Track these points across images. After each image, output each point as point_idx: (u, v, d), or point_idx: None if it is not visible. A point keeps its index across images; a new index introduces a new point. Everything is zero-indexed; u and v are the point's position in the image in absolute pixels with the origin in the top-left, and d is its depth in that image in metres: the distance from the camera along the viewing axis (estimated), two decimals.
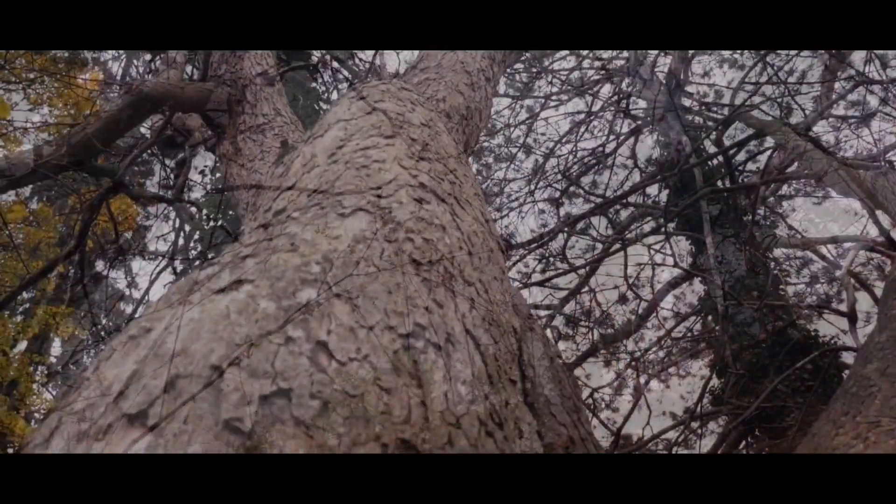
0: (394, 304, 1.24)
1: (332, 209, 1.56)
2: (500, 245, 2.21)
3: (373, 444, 0.91)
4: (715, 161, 10.59)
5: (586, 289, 11.20)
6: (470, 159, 4.10)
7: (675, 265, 5.59)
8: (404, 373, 1.09)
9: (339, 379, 0.99)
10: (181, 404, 0.87)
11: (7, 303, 4.05)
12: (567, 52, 12.35)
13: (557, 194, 12.39)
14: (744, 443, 8.93)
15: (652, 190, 12.86)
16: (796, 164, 8.58)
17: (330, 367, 1.01)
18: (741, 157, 9.07)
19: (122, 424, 0.86)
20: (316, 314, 1.11)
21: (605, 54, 12.72)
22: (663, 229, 8.42)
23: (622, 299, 12.06)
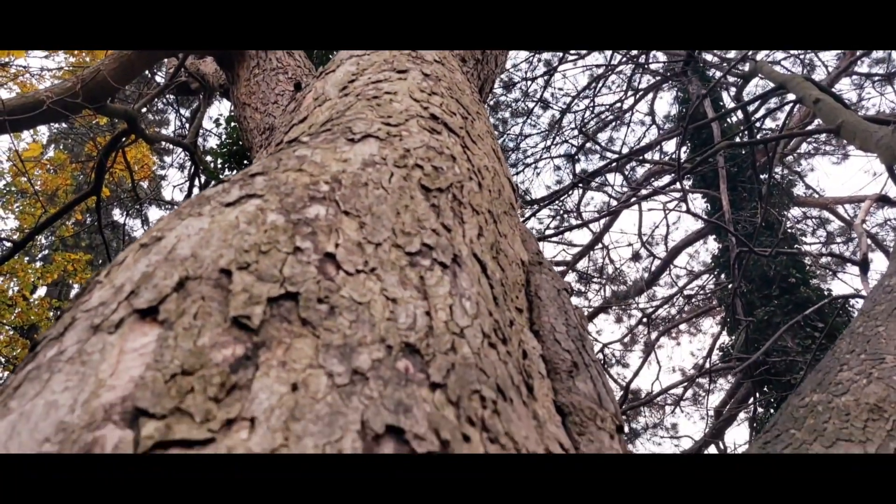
0: (402, 224, 1.25)
1: (341, 135, 1.56)
2: (511, 183, 2.21)
3: (378, 345, 0.93)
4: (734, 118, 10.43)
5: (600, 246, 11.18)
6: (486, 111, 4.07)
7: (688, 211, 5.55)
8: (410, 286, 1.10)
9: (346, 287, 1.01)
10: (191, 302, 0.90)
11: (24, 244, 4.11)
12: None
13: (573, 150, 12.28)
14: (752, 399, 8.99)
15: (669, 147, 12.72)
16: (817, 121, 8.43)
17: (337, 277, 1.03)
18: (761, 112, 8.92)
19: (134, 319, 0.88)
20: (324, 229, 1.12)
21: None
22: (679, 185, 8.35)
23: (635, 256, 12.04)
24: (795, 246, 9.51)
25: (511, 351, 1.25)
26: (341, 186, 1.28)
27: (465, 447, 0.85)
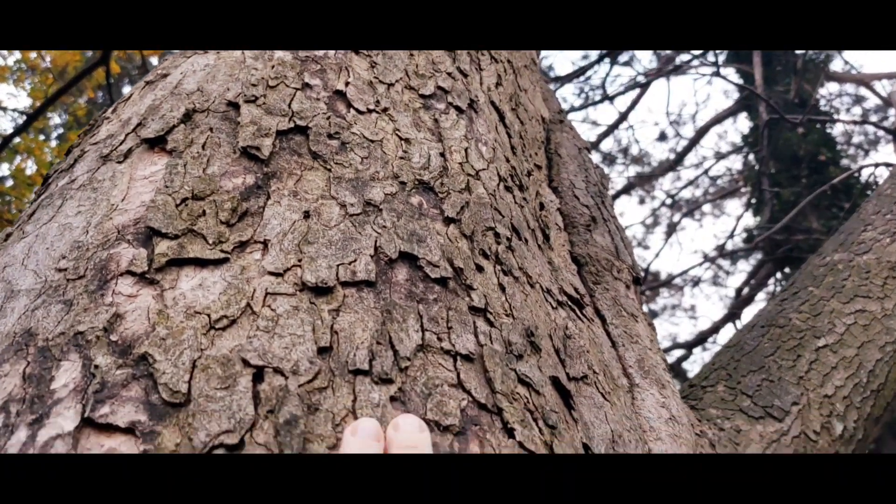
0: (415, 66, 1.21)
1: None
2: None
3: (391, 180, 0.91)
4: None
5: (625, 125, 10.90)
6: None
7: (717, 74, 5.29)
8: (424, 128, 1.07)
9: (357, 125, 0.98)
10: (199, 133, 0.88)
11: (38, 115, 4.10)
12: None
13: None
14: (773, 279, 9.02)
15: None
16: None
17: (348, 114, 1.00)
18: None
19: (142, 149, 0.87)
20: (333, 67, 1.08)
21: None
22: (711, 60, 8.00)
23: (662, 136, 11.76)
24: (829, 116, 9.17)
25: (528, 198, 1.23)
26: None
27: (479, 277, 0.85)
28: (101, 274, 0.70)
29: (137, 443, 0.56)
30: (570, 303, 1.07)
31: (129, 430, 0.57)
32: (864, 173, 7.36)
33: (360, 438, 0.56)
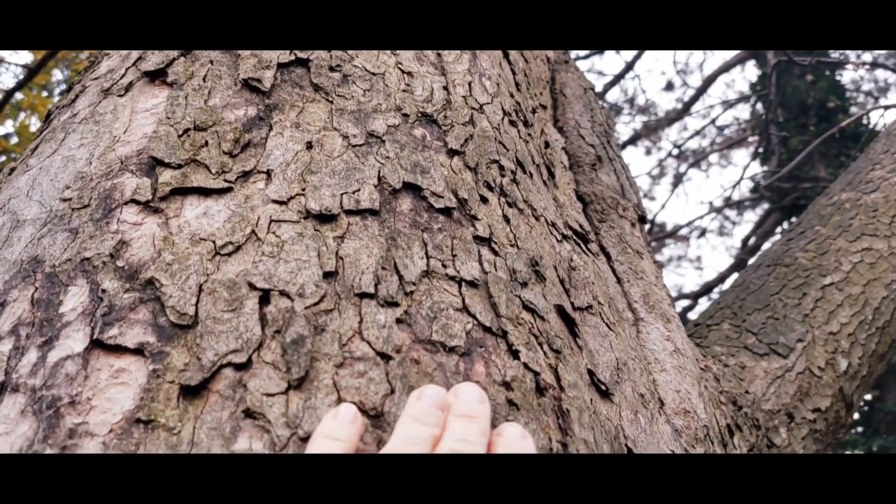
0: None
1: None
2: None
3: (393, 112, 0.90)
4: None
5: (632, 74, 10.73)
6: None
7: None
8: (427, 62, 1.06)
9: (359, 58, 0.97)
10: (199, 66, 0.87)
11: (39, 69, 4.06)
12: None
13: None
14: (780, 228, 8.98)
15: None
16: None
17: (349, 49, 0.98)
18: None
19: (143, 82, 0.86)
20: None
21: None
22: None
23: (668, 86, 11.60)
24: (838, 57, 9.00)
25: (532, 135, 1.22)
26: None
27: (483, 208, 0.85)
28: (105, 203, 0.70)
29: (147, 363, 0.57)
30: (575, 237, 1.07)
31: (139, 351, 0.58)
32: (874, 118, 7.25)
33: (425, 405, 0.53)
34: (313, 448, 0.49)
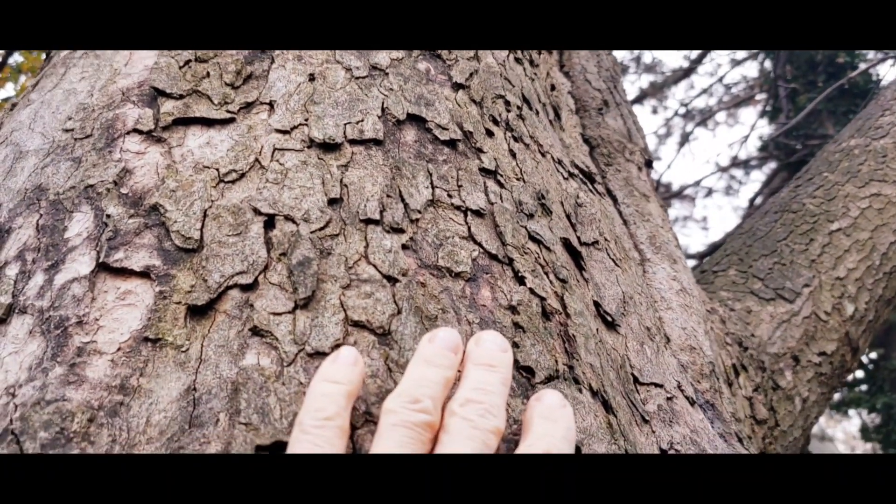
0: None
1: None
2: None
3: None
4: None
5: None
6: None
7: None
8: None
9: None
10: None
11: None
12: None
13: None
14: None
15: None
16: None
17: None
18: None
19: None
20: None
21: None
22: None
23: None
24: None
25: (538, 74, 1.20)
26: None
27: (489, 141, 0.84)
28: (107, 133, 0.70)
29: (153, 285, 0.57)
30: (581, 175, 1.06)
31: (145, 274, 0.58)
32: (882, 71, 7.14)
33: (437, 346, 0.51)
34: (313, 391, 0.48)
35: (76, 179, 0.66)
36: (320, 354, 0.53)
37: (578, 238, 0.88)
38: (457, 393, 0.50)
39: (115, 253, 0.59)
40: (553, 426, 0.49)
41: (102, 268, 0.58)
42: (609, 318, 0.80)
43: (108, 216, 0.61)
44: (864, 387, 8.49)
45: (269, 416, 0.48)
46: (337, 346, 0.53)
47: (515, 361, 0.59)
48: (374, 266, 0.61)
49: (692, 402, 0.81)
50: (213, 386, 0.50)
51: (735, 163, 9.82)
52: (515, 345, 0.61)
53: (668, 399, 0.76)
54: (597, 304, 0.80)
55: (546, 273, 0.72)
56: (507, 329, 0.62)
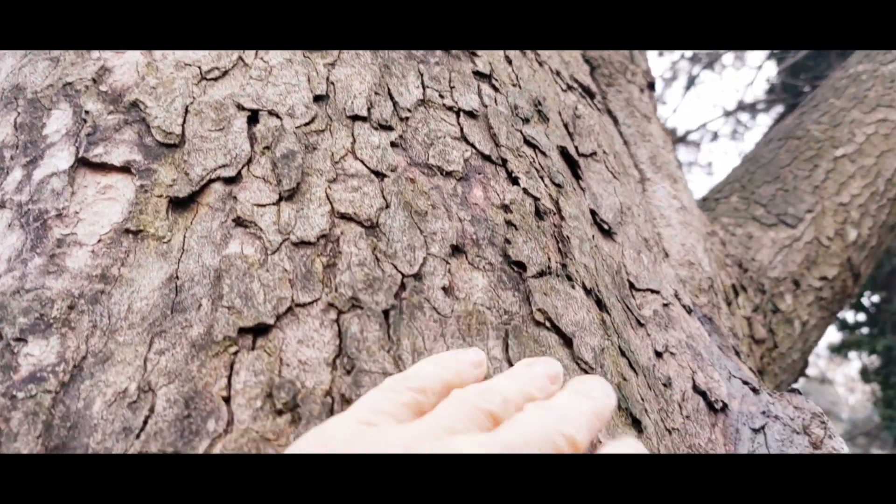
0: None
1: None
2: None
3: None
4: None
5: None
6: None
7: None
8: None
9: None
10: None
11: None
12: None
13: None
14: None
15: None
16: None
17: None
18: None
19: None
20: None
21: None
22: None
23: None
24: None
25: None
26: None
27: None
28: None
29: (134, 179, 0.55)
30: (580, 89, 1.03)
31: (125, 169, 0.56)
32: None
33: (536, 370, 0.44)
34: (415, 366, 0.42)
35: (54, 78, 0.63)
36: (306, 244, 0.51)
37: (576, 148, 0.86)
38: (538, 402, 0.41)
39: (94, 148, 0.57)
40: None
41: (82, 163, 0.56)
42: (606, 227, 0.79)
43: (87, 112, 0.59)
44: (864, 329, 8.54)
45: (252, 301, 0.47)
46: (323, 237, 0.52)
47: (507, 257, 0.58)
48: (362, 161, 0.59)
49: (689, 311, 0.80)
50: (195, 274, 0.49)
51: (741, 106, 9.67)
52: (507, 241, 0.59)
53: (665, 305, 0.75)
54: (593, 213, 0.79)
55: (541, 177, 0.70)
56: (499, 227, 0.61)
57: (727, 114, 9.68)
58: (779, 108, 9.74)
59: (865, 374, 8.09)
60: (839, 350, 8.65)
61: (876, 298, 8.53)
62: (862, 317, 8.63)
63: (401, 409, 0.38)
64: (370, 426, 0.36)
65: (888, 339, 7.98)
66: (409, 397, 0.39)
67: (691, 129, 10.63)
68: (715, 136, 10.05)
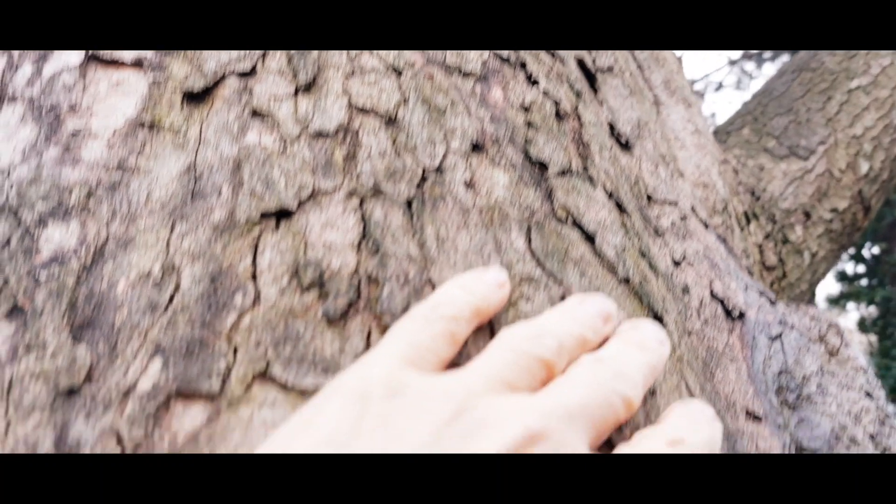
0: None
1: None
2: None
3: None
4: None
5: None
6: None
7: None
8: None
9: None
10: None
11: None
12: None
13: None
14: None
15: None
16: None
17: None
18: None
19: None
20: None
21: None
22: None
23: None
24: None
25: None
26: None
27: None
28: None
29: (146, 74, 0.54)
30: None
31: (137, 64, 0.55)
32: None
33: (587, 307, 0.42)
34: (440, 291, 0.40)
35: None
36: (324, 135, 0.50)
37: (593, 61, 0.84)
38: (591, 353, 0.39)
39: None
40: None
41: (93, 59, 0.55)
42: (623, 140, 0.77)
43: None
44: (863, 281, 8.58)
45: (274, 187, 0.46)
46: (342, 129, 0.51)
47: (527, 155, 0.57)
48: (379, 57, 0.58)
49: (706, 226, 0.79)
50: (214, 163, 0.48)
51: (747, 55, 9.53)
52: (527, 141, 0.58)
53: (682, 218, 0.75)
54: (611, 126, 0.77)
55: (560, 83, 0.69)
56: (519, 128, 0.59)
57: (732, 63, 9.54)
58: (784, 58, 9.60)
59: (863, 325, 8.16)
60: (837, 301, 8.70)
61: (876, 250, 8.54)
62: (861, 268, 8.66)
63: (439, 343, 0.37)
64: (416, 370, 0.35)
65: (887, 290, 8.02)
66: (442, 327, 0.38)
67: (695, 79, 10.50)
68: (720, 85, 9.93)
